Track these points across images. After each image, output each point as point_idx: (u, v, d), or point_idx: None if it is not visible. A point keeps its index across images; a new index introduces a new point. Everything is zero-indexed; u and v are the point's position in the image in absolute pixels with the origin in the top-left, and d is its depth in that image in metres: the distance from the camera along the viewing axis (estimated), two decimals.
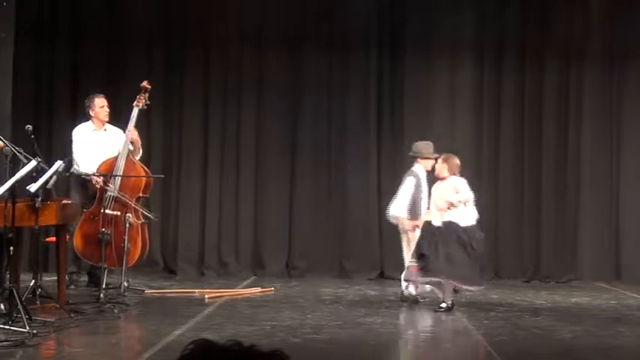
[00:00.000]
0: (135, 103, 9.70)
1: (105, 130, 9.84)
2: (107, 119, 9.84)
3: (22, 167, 7.36)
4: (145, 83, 9.79)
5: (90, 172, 9.47)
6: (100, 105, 9.82)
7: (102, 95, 9.91)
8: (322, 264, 12.01)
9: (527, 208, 12.11)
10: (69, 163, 8.38)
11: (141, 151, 9.76)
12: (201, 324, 7.83)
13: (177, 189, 12.06)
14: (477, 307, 9.40)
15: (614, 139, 12.23)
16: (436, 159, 9.41)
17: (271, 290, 10.31)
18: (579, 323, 8.47)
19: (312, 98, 12.14)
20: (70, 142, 9.78)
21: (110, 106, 9.94)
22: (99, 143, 9.73)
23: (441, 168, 9.26)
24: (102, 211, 9.15)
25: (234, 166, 12.12)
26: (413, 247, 9.20)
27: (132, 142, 9.54)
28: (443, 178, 9.24)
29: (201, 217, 12.07)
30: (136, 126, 9.63)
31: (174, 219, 12.03)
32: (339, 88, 12.14)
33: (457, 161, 9.29)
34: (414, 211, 9.48)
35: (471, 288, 9.13)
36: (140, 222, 9.45)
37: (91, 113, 9.85)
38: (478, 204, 9.34)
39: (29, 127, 8.26)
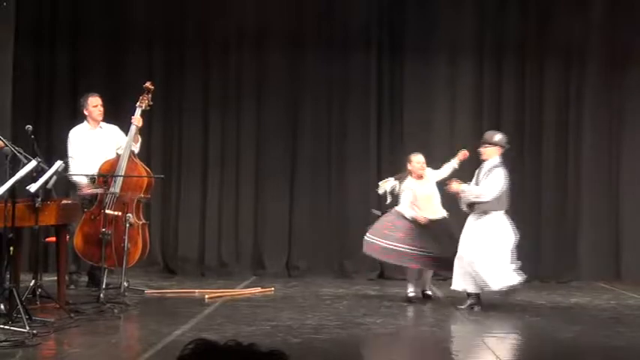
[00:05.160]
0: (138, 103, 9.70)
1: (100, 127, 9.86)
2: (101, 118, 9.86)
3: (22, 167, 7.36)
4: (148, 84, 9.78)
5: (84, 175, 9.49)
6: (93, 104, 9.84)
7: (96, 94, 9.93)
8: (322, 264, 12.00)
9: (527, 208, 12.07)
10: (66, 165, 8.37)
11: (140, 139, 9.72)
12: (201, 324, 7.83)
13: (177, 189, 12.06)
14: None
15: (614, 139, 12.22)
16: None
17: (271, 290, 10.31)
18: (579, 323, 8.46)
19: (311, 98, 12.14)
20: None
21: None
22: (95, 142, 9.75)
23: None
24: (102, 211, 9.15)
25: (234, 165, 12.12)
26: None
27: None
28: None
29: (202, 217, 12.07)
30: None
31: (174, 219, 12.04)
32: (338, 89, 12.14)
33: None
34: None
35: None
36: (141, 222, 9.46)
37: (85, 112, 9.88)
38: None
39: (29, 127, 8.26)
